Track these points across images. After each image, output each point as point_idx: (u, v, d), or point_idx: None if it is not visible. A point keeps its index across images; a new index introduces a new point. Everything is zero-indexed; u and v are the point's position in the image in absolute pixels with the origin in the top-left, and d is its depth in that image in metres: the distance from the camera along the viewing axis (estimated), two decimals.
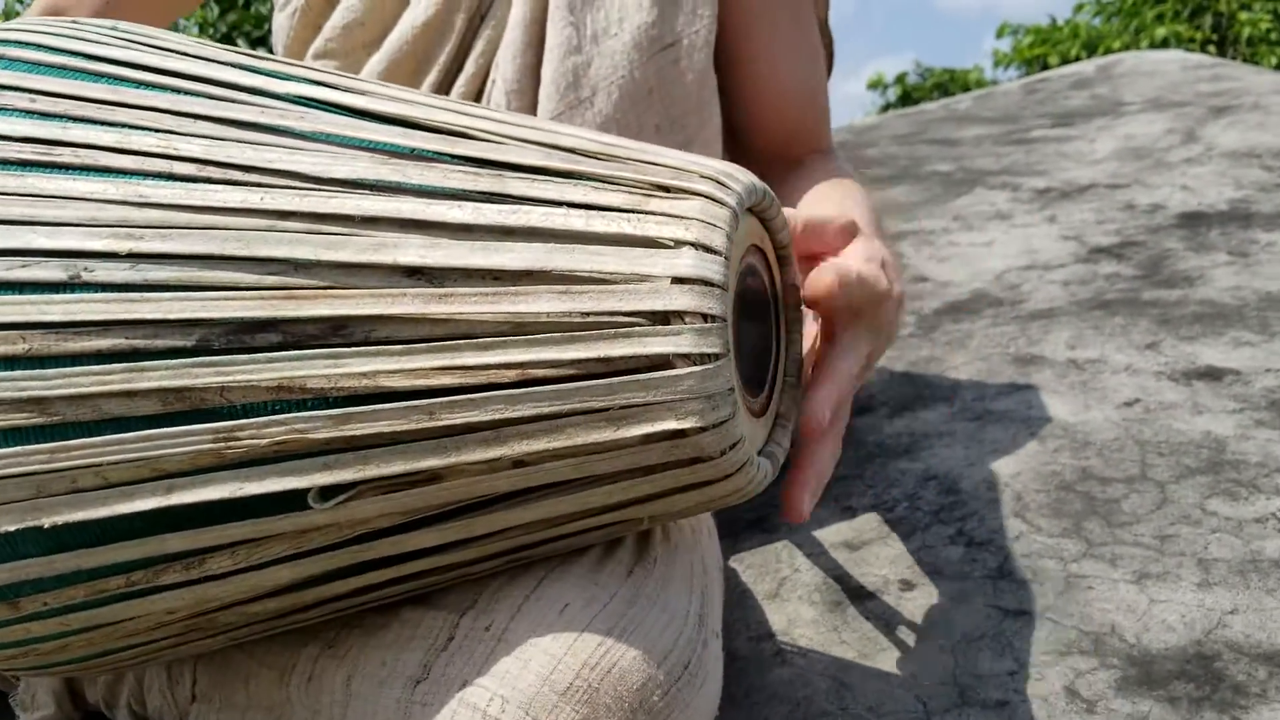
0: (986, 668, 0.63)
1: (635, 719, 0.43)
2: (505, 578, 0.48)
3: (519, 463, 0.42)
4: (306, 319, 0.42)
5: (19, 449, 0.42)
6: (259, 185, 0.44)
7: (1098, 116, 2.09)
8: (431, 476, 0.42)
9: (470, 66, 0.68)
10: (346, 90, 0.48)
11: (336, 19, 0.71)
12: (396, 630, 0.49)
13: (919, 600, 0.70)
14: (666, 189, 0.43)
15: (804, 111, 0.76)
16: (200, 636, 0.49)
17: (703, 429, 0.41)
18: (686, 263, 0.41)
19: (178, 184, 0.44)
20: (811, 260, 0.54)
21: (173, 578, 0.45)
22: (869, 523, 0.79)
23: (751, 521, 0.84)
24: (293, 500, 0.43)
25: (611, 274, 0.41)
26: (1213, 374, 0.98)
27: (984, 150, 1.94)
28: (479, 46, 0.69)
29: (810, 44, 0.76)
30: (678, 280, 0.41)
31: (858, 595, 0.71)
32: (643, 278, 0.41)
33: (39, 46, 0.49)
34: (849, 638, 0.67)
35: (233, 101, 0.46)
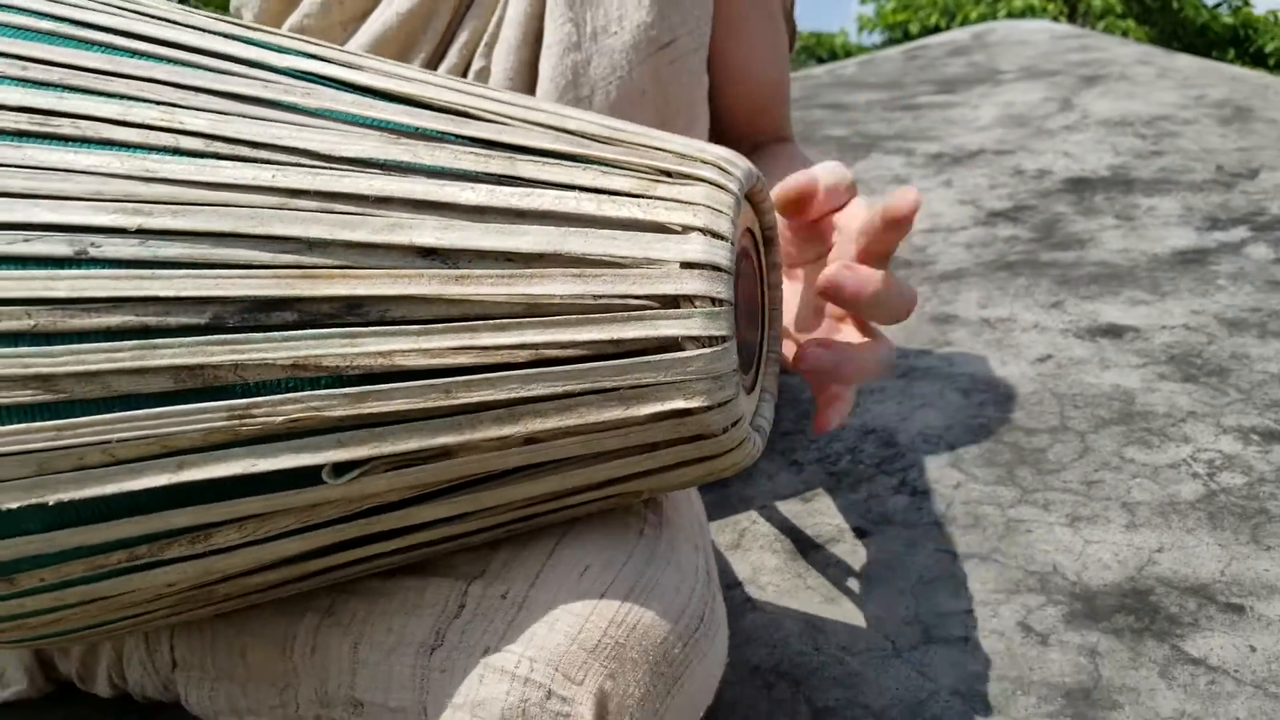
0: (945, 607, 0.67)
1: (659, 670, 0.45)
2: (512, 545, 0.49)
3: (530, 439, 0.44)
4: (322, 298, 0.42)
5: (22, 426, 0.42)
6: (268, 162, 0.44)
7: (977, 84, 2.16)
8: (444, 452, 0.44)
9: (453, 56, 0.68)
10: (347, 66, 0.48)
11: None
12: (401, 598, 0.50)
13: (874, 547, 0.74)
14: (671, 174, 0.45)
15: (772, 102, 0.79)
16: (195, 606, 0.50)
17: (708, 408, 0.43)
18: (696, 248, 0.43)
19: (185, 159, 0.43)
20: (816, 224, 0.55)
21: (177, 552, 0.45)
22: (816, 475, 0.83)
23: None
24: (305, 476, 0.44)
25: (624, 258, 0.43)
26: (1114, 331, 1.04)
27: (875, 116, 1.99)
28: (462, 36, 0.69)
29: (780, 37, 0.78)
30: (687, 265, 0.43)
31: (815, 544, 0.75)
32: (653, 262, 0.43)
33: (24, 10, 0.47)
34: (814, 583, 0.71)
35: (235, 75, 0.46)
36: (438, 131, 0.45)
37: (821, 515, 0.78)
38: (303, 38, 0.50)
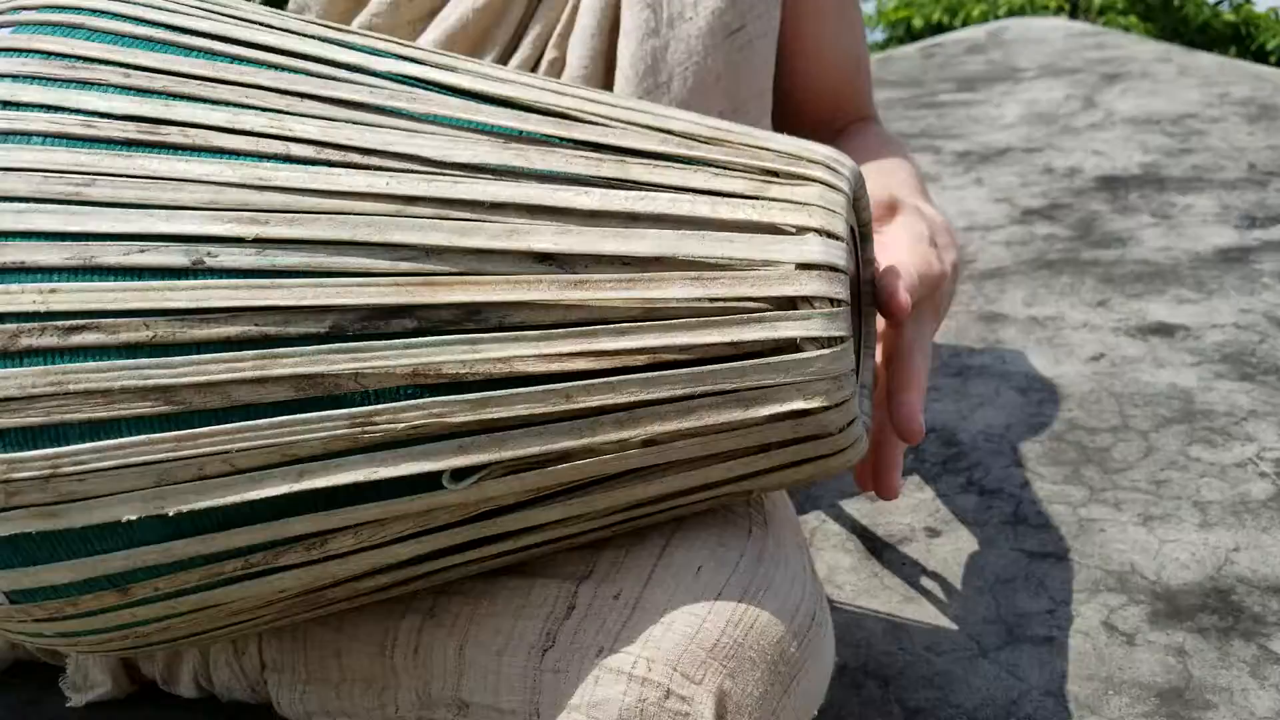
0: (1026, 606, 0.67)
1: (776, 669, 0.45)
2: (619, 546, 0.49)
3: (649, 442, 0.43)
4: (441, 305, 0.42)
5: (142, 438, 0.42)
6: (380, 169, 0.44)
7: (998, 82, 2.16)
8: (563, 456, 0.44)
9: (526, 48, 0.68)
10: (443, 68, 0.48)
11: None
12: (505, 599, 0.50)
13: (947, 546, 0.74)
14: (780, 174, 0.45)
15: (850, 82, 0.78)
16: (301, 611, 0.50)
17: (826, 408, 0.43)
18: (813, 249, 0.43)
19: (297, 166, 0.43)
20: None
21: (293, 559, 0.45)
22: None
23: None
24: (423, 481, 0.43)
25: (740, 260, 0.43)
26: (1164, 329, 1.04)
27: (897, 114, 1.99)
28: (535, 29, 0.69)
29: (855, 12, 0.78)
30: (804, 266, 0.43)
31: (887, 543, 0.75)
32: (770, 263, 0.43)
33: (121, 17, 0.47)
34: (890, 583, 0.71)
35: (338, 80, 0.46)
36: (544, 135, 0.45)
37: (891, 515, 0.78)
38: (394, 39, 0.50)
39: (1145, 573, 0.70)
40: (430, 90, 0.47)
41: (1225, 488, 0.78)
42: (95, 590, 0.45)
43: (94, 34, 0.46)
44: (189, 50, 0.46)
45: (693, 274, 0.42)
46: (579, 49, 0.69)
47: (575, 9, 0.70)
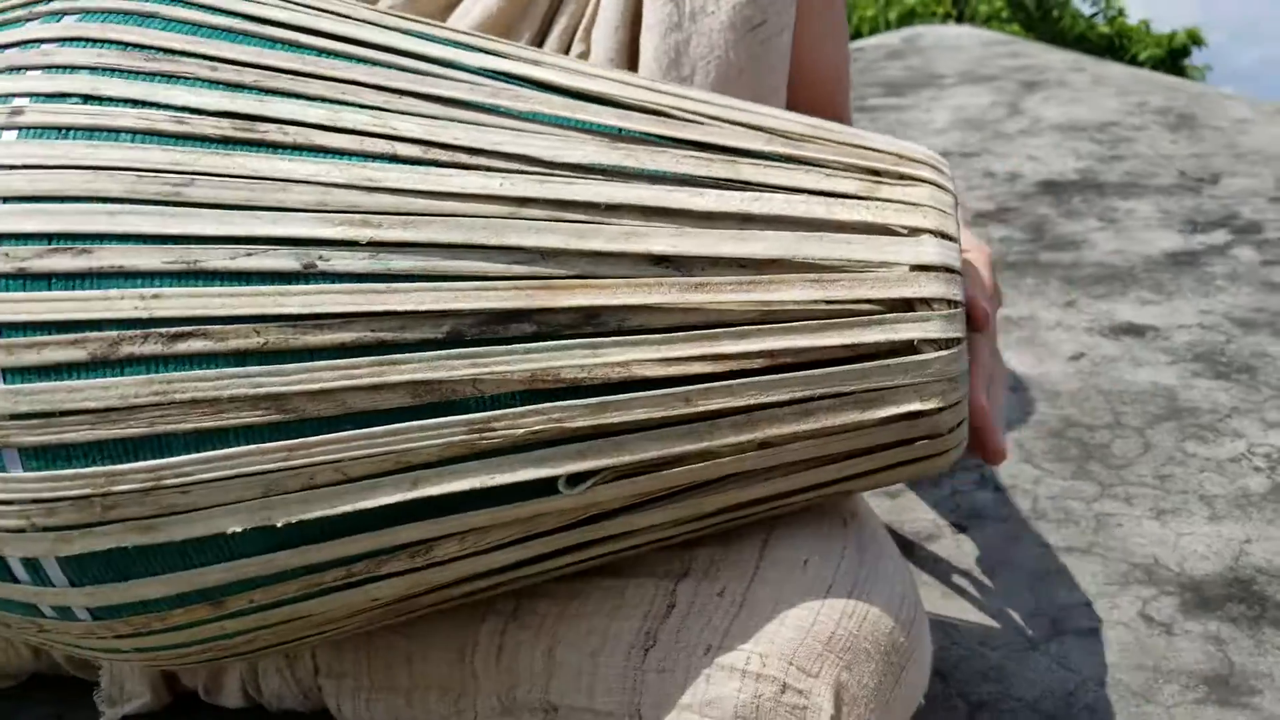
0: (1064, 600, 0.69)
1: (889, 660, 0.45)
2: (714, 543, 0.49)
3: (764, 444, 0.43)
4: (561, 309, 0.41)
5: (252, 447, 0.41)
6: (489, 169, 0.43)
7: (922, 88, 2.19)
8: (678, 460, 0.43)
9: (553, 41, 0.67)
10: (532, 63, 0.47)
11: None
12: (597, 600, 0.49)
13: (976, 542, 0.75)
14: (888, 174, 0.45)
15: (835, 91, 0.79)
16: (387, 619, 0.49)
17: (941, 409, 0.43)
18: (930, 250, 0.43)
19: (405, 167, 0.42)
20: None
21: (395, 567, 0.44)
22: None
23: None
24: (535, 487, 0.43)
25: (858, 261, 0.43)
26: (1135, 330, 1.07)
27: None
28: (561, 22, 0.68)
29: (842, 24, 0.78)
30: (920, 268, 0.43)
31: (917, 539, 0.76)
32: (886, 265, 0.43)
33: (196, 5, 0.45)
34: (927, 579, 0.71)
35: (435, 76, 0.45)
36: (649, 134, 0.45)
37: (913, 512, 0.79)
38: (475, 34, 0.49)
39: (1169, 565, 0.72)
40: (526, 87, 0.46)
41: (1225, 482, 0.81)
42: (188, 604, 0.44)
43: (170, 23, 0.45)
44: (271, 42, 0.45)
45: (812, 276, 0.42)
46: (604, 42, 0.68)
47: (599, 3, 0.70)
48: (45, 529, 0.41)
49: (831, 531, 0.49)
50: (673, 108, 0.46)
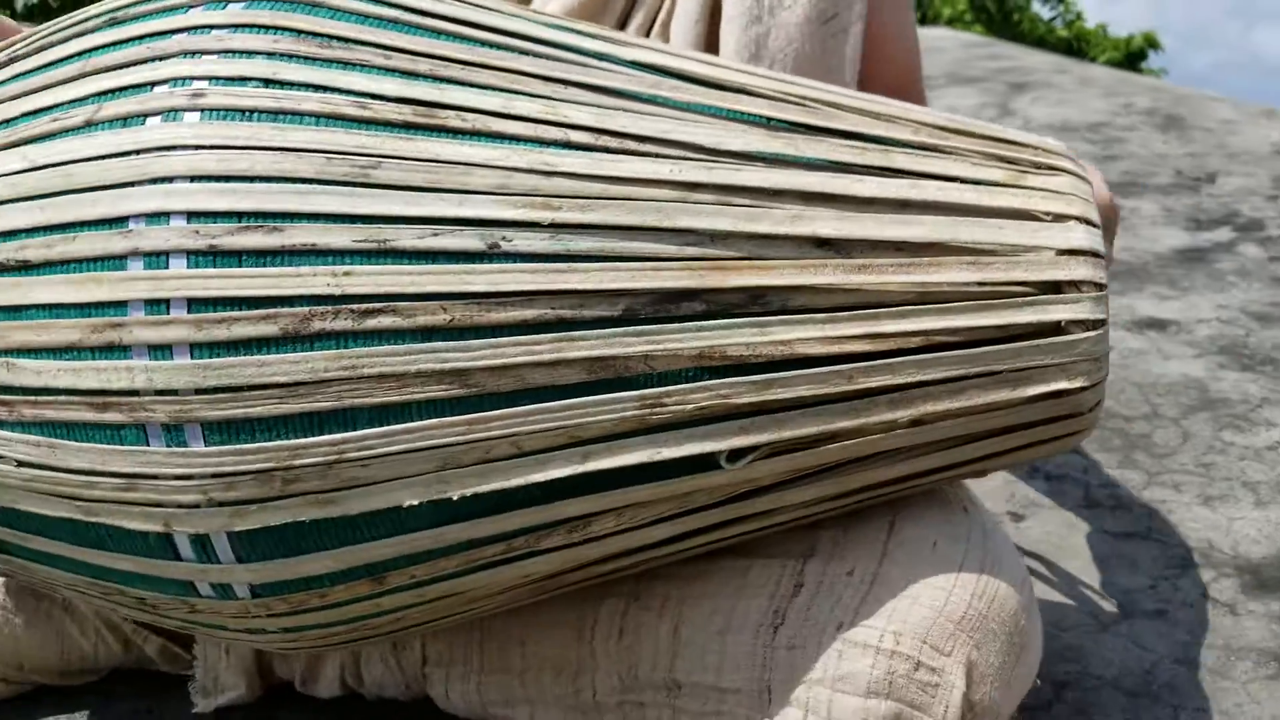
0: (1127, 583, 0.71)
1: (1013, 640, 0.47)
2: (834, 526, 0.50)
3: (916, 422, 0.45)
4: (730, 289, 0.43)
5: (432, 421, 0.42)
6: (657, 156, 0.44)
7: None
8: (833, 436, 0.45)
9: (630, 35, 0.69)
10: (679, 57, 0.48)
11: None
12: (720, 580, 0.51)
13: (1035, 529, 0.77)
14: (1029, 164, 0.47)
15: (911, 77, 0.81)
16: (530, 598, 0.50)
17: (1086, 388, 0.45)
18: (1078, 236, 0.45)
19: (579, 153, 0.43)
20: None
21: (554, 542, 0.45)
22: None
23: None
24: (697, 462, 0.44)
25: (1010, 245, 0.44)
26: (1158, 324, 1.10)
27: None
28: (639, 15, 0.69)
29: (912, 23, 0.81)
30: (1068, 252, 0.45)
31: None
32: (1036, 248, 0.45)
33: None
34: None
35: (597, 68, 0.46)
36: (797, 123, 0.46)
37: None
38: (606, 30, 0.50)
39: (1223, 548, 0.75)
40: (680, 80, 0.47)
41: (1265, 469, 0.84)
42: (351, 580, 0.45)
43: (336, 12, 0.45)
44: (436, 33, 0.46)
45: (968, 259, 0.44)
46: (683, 35, 0.70)
47: None
48: (222, 504, 0.42)
49: (953, 516, 0.51)
50: (815, 100, 0.48)
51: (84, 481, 0.42)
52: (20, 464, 0.43)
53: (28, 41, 0.48)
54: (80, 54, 0.45)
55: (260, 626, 0.47)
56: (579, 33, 0.48)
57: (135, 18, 0.45)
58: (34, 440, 0.42)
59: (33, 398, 0.42)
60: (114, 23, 0.46)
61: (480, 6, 0.48)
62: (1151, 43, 7.53)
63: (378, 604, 0.46)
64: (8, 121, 0.44)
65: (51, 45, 0.46)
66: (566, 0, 0.68)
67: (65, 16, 0.49)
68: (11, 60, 0.47)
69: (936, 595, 0.47)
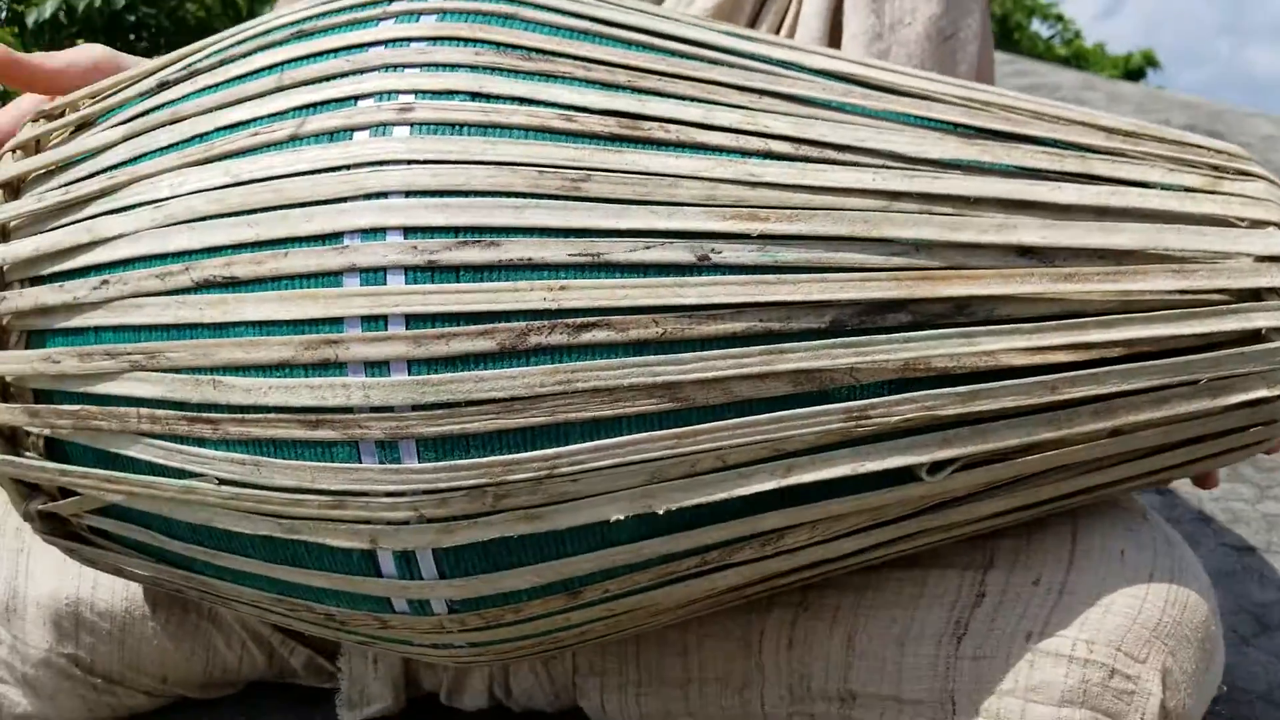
0: (1259, 597, 0.71)
1: (1204, 647, 0.47)
2: (1013, 536, 0.50)
3: (1116, 432, 0.45)
4: (935, 299, 0.43)
5: (642, 435, 0.41)
6: (858, 164, 0.44)
7: None
8: (1032, 448, 0.44)
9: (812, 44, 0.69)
10: (861, 64, 0.48)
11: None
12: (895, 589, 0.51)
13: None
14: (1219, 169, 0.47)
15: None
16: (705, 610, 0.49)
17: None
18: (1278, 241, 0.44)
19: (782, 163, 0.43)
20: None
21: (745, 555, 0.45)
22: None
23: None
24: (895, 475, 0.44)
25: (1211, 253, 0.44)
26: None
27: None
28: (762, 28, 0.69)
29: (990, 28, 0.81)
30: (1268, 259, 0.44)
31: None
32: (1235, 255, 0.44)
33: (545, 7, 0.46)
34: None
35: (786, 77, 0.46)
36: (989, 129, 0.46)
37: None
38: (789, 41, 0.50)
39: None
40: (866, 88, 0.47)
41: None
42: (548, 594, 0.45)
43: (529, 25, 0.45)
44: (628, 44, 0.46)
45: (1172, 266, 0.44)
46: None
47: (798, 15, 0.71)
48: (432, 520, 0.42)
49: (1135, 524, 0.50)
50: (1000, 106, 0.47)
51: (289, 499, 0.42)
52: (222, 482, 0.43)
53: (203, 54, 0.48)
54: (272, 67, 0.45)
55: (449, 641, 0.47)
56: (763, 41, 0.48)
57: (324, 30, 0.45)
58: (238, 458, 0.42)
59: (240, 415, 0.42)
60: (302, 35, 0.45)
61: (663, 16, 0.47)
62: (1150, 61, 7.51)
63: (568, 618, 0.46)
64: (201, 136, 0.44)
65: (235, 59, 0.46)
66: (706, 3, 0.68)
67: (237, 29, 0.49)
68: (192, 74, 0.47)
69: (1130, 603, 0.47)
